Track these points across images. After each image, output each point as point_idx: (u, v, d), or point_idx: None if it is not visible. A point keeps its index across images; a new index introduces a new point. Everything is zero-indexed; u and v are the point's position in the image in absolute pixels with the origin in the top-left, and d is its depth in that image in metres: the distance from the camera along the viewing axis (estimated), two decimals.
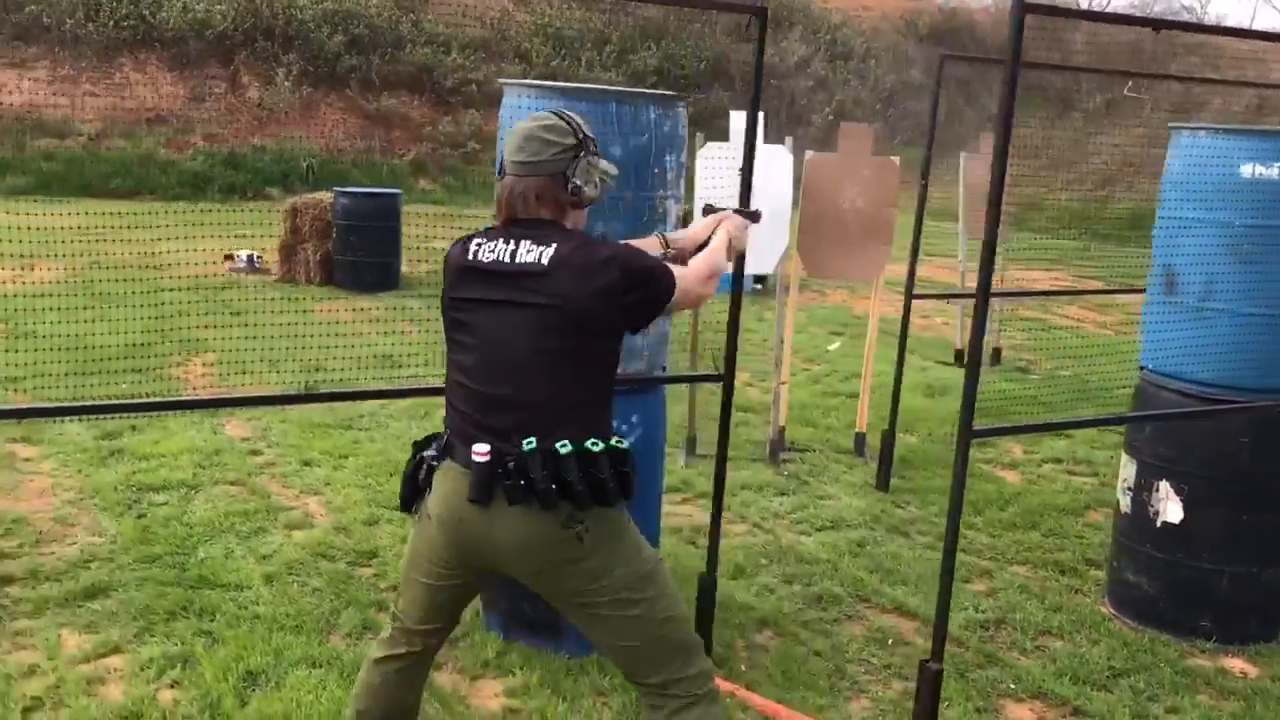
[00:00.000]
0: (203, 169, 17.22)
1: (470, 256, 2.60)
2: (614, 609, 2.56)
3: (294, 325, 7.91)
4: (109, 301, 9.41)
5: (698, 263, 2.81)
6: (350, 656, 3.69)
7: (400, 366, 7.33)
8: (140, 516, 4.77)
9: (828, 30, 27.26)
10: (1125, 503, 4.38)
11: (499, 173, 2.67)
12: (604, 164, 2.67)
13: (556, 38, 23.27)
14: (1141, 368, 4.46)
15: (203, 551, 4.46)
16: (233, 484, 5.28)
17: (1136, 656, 4.08)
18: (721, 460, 3.76)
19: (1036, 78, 28.23)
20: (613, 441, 2.53)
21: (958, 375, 8.43)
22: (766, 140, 5.64)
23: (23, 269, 9.89)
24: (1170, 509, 4.20)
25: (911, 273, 5.77)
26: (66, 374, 6.86)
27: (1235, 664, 4.09)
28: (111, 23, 18.44)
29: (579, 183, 2.60)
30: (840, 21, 27.84)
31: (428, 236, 12.25)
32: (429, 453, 2.62)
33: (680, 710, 2.61)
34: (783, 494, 5.64)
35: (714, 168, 5.39)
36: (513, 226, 2.61)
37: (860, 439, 6.34)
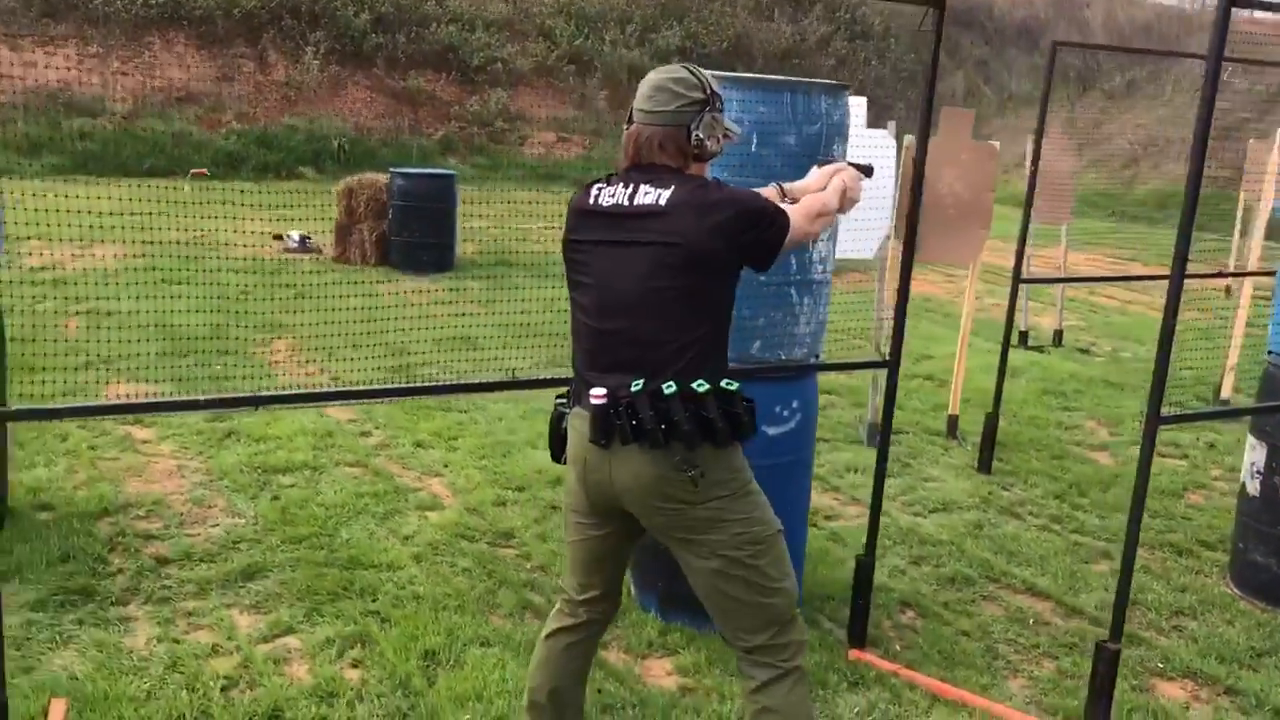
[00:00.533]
0: (236, 148, 17.23)
1: (591, 200, 2.68)
2: (724, 564, 2.62)
3: (368, 309, 8.02)
4: (175, 280, 9.50)
5: (809, 200, 2.85)
6: (518, 636, 3.77)
7: (480, 349, 7.38)
8: (275, 498, 4.84)
9: (847, 9, 27.18)
10: (1253, 486, 4.46)
11: (629, 121, 2.72)
12: (728, 122, 2.73)
13: (579, 15, 23.23)
14: (1270, 352, 4.51)
15: (345, 533, 4.54)
16: (353, 465, 5.35)
17: (1274, 636, 4.17)
18: (884, 447, 3.83)
19: (1059, 59, 28.21)
20: (721, 383, 2.56)
21: (1024, 358, 8.52)
22: None
23: (81, 250, 9.97)
24: None
25: (1020, 258, 5.82)
26: (159, 354, 6.98)
27: None
28: (139, 0, 18.39)
29: (701, 135, 2.65)
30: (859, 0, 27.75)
31: (467, 215, 12.32)
32: (561, 400, 2.77)
33: (772, 682, 2.67)
34: (890, 476, 5.70)
35: None
36: (633, 171, 2.67)
37: (953, 421, 6.42)
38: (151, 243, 11.84)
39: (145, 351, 7.13)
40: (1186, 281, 3.22)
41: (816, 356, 3.99)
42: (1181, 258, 3.08)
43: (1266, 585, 4.43)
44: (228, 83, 19.01)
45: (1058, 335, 9.33)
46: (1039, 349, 9.04)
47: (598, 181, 2.72)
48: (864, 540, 4.78)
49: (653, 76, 2.71)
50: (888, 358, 3.73)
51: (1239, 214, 12.43)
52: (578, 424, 2.66)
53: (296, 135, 18.15)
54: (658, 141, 2.65)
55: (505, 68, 21.55)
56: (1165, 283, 3.03)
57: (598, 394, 2.56)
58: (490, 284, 10.22)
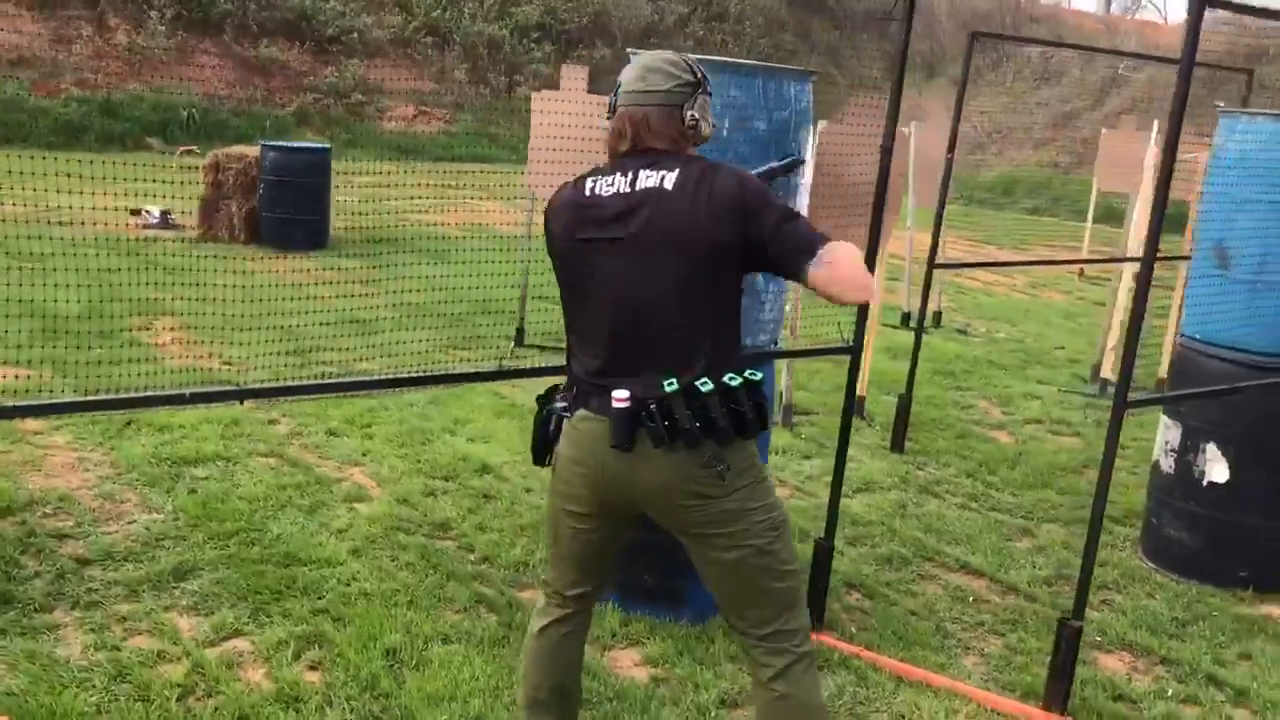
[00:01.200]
0: (77, 116, 16.24)
1: (588, 193, 2.56)
2: (747, 553, 2.57)
3: (248, 289, 7.70)
4: (28, 257, 8.89)
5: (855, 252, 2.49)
6: (478, 631, 3.67)
7: (374, 332, 7.18)
8: (192, 492, 4.58)
9: None
10: (1167, 463, 4.68)
11: (610, 111, 2.62)
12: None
13: None
14: (1183, 335, 4.73)
15: (275, 527, 4.33)
16: (266, 455, 5.11)
17: (1192, 607, 4.39)
18: (845, 429, 3.86)
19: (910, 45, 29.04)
20: (746, 374, 2.51)
21: (910, 339, 8.76)
22: None
23: None
24: (1216, 469, 4.51)
25: (934, 245, 5.96)
26: (30, 334, 6.53)
27: (1275, 610, 4.45)
28: None
29: (696, 116, 2.58)
30: None
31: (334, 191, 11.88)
32: (558, 405, 2.63)
33: (788, 669, 2.64)
34: (807, 457, 5.79)
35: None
36: (626, 159, 2.56)
37: (861, 402, 6.54)
38: None
39: (14, 330, 6.66)
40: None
41: (775, 343, 3.99)
42: (1154, 242, 3.19)
43: (1180, 558, 4.67)
44: (64, 45, 17.90)
45: (937, 317, 9.62)
46: (892, 326, 9.29)
47: (588, 176, 2.59)
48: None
49: (643, 59, 2.63)
50: (850, 343, 3.76)
51: (1092, 199, 13.08)
52: (587, 428, 2.54)
53: (143, 104, 17.24)
54: (653, 121, 2.55)
55: (361, 38, 20.93)
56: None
57: (621, 396, 2.45)
58: (368, 262, 9.91)
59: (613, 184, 2.53)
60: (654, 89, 2.57)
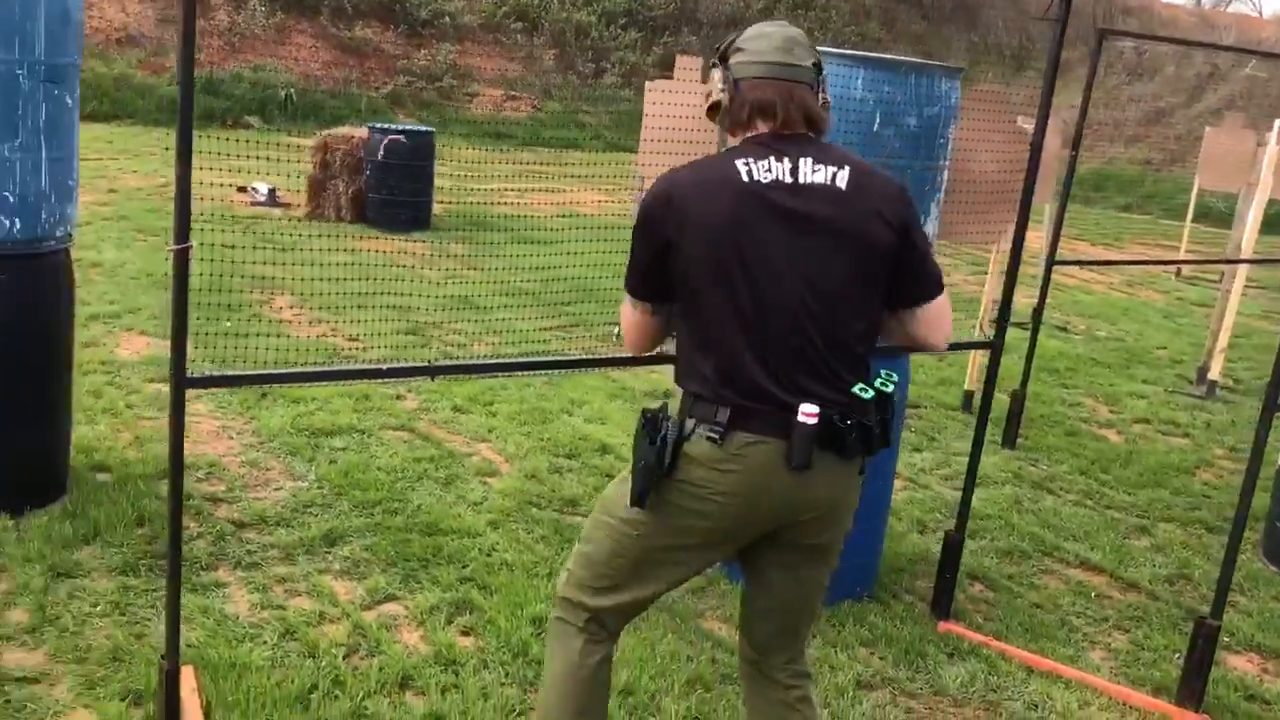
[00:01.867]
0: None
1: (748, 178, 2.25)
2: (833, 564, 2.49)
3: (360, 266, 7.89)
4: (149, 231, 9.21)
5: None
6: None
7: (483, 310, 7.34)
8: (332, 462, 4.77)
9: None
10: None
11: (731, 83, 2.33)
12: None
13: None
14: None
15: (415, 498, 4.49)
16: (397, 430, 5.28)
17: None
18: (982, 423, 3.91)
19: (995, 37, 28.70)
20: (887, 378, 2.38)
21: (1014, 335, 8.73)
22: None
23: None
24: None
25: (1055, 241, 5.96)
26: (164, 310, 6.77)
27: None
28: None
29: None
30: None
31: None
32: (703, 430, 2.25)
33: (810, 687, 2.57)
34: (918, 450, 5.84)
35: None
36: (777, 143, 2.30)
37: (968, 397, 6.57)
38: (115, 191, 11.53)
39: (148, 302, 6.94)
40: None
41: None
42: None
43: None
44: (168, 25, 18.37)
45: (1037, 314, 9.54)
46: (1021, 325, 9.24)
47: (739, 156, 2.28)
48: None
49: (782, 28, 2.36)
50: (993, 338, 3.81)
51: (1192, 198, 12.88)
52: (753, 452, 2.24)
53: (242, 83, 17.63)
54: (807, 101, 2.33)
55: (453, 22, 21.18)
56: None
57: (810, 412, 2.20)
58: (470, 244, 10.11)
59: (770, 171, 2.26)
60: (800, 64, 2.33)
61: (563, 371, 6.47)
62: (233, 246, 8.11)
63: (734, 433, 2.24)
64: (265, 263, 7.12)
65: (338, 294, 6.90)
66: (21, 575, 3.55)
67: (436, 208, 11.25)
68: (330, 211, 10.75)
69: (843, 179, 2.31)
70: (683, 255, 2.26)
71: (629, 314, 2.47)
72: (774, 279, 2.25)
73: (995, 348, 3.81)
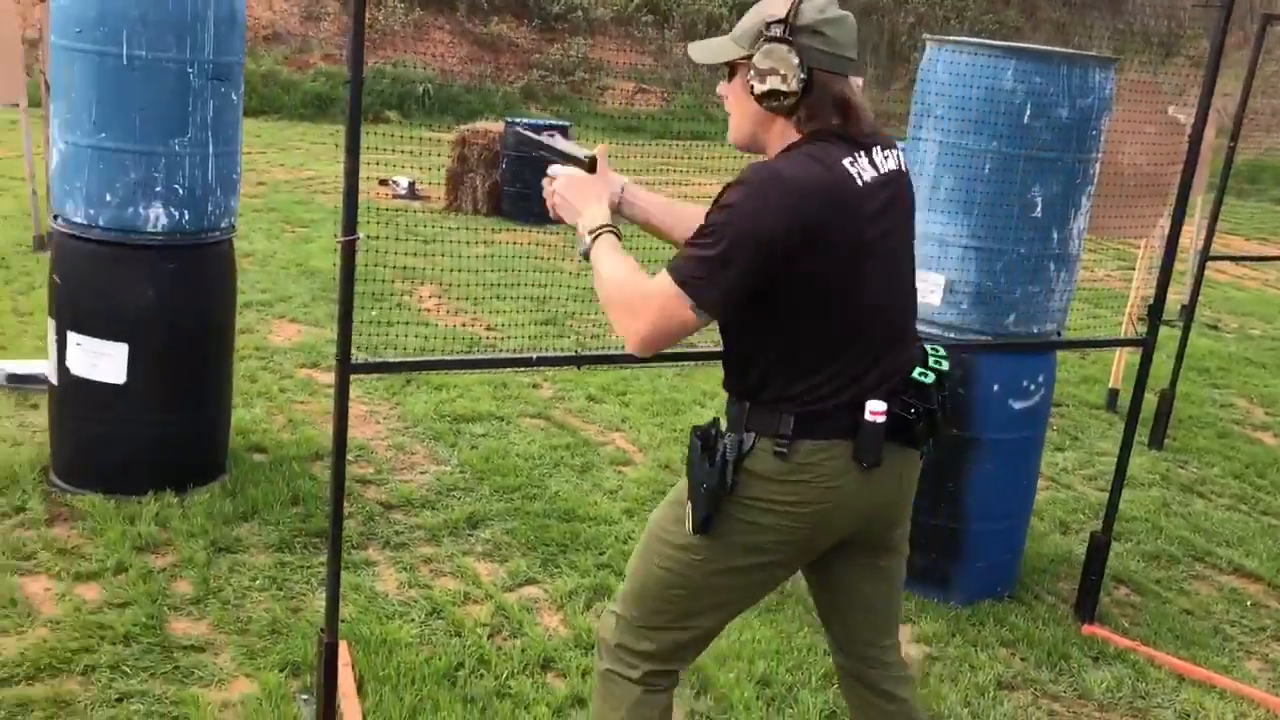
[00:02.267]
0: (325, 90, 17.22)
1: (860, 183, 2.09)
2: (907, 546, 2.40)
3: (498, 258, 8.03)
4: (297, 222, 9.56)
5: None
6: None
7: None
8: (473, 448, 4.89)
9: None
10: None
11: (804, 68, 2.08)
12: None
13: None
14: None
15: (552, 485, 4.58)
16: (534, 418, 5.39)
17: None
18: (1132, 423, 3.81)
19: (1141, 23, 27.63)
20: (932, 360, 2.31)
21: (1163, 333, 8.43)
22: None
23: None
24: None
25: (1210, 236, 5.75)
26: (313, 299, 7.04)
27: None
28: None
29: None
30: None
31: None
32: (766, 443, 2.12)
33: (911, 691, 2.45)
34: (1060, 449, 5.70)
35: None
36: (845, 139, 2.13)
37: (1113, 395, 6.38)
38: (263, 183, 11.97)
39: (300, 290, 7.21)
40: None
41: (1059, 333, 3.96)
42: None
43: None
44: (312, 23, 19.00)
45: (1186, 311, 9.19)
46: (1170, 323, 8.92)
47: (841, 156, 2.10)
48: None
49: (846, 11, 2.17)
50: (1144, 336, 3.70)
51: None
52: (822, 459, 2.11)
53: (383, 79, 18.11)
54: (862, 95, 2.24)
55: (585, 16, 21.39)
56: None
57: (878, 409, 2.11)
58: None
59: (861, 169, 2.12)
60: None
61: (695, 363, 6.51)
62: (377, 238, 8.40)
63: (800, 441, 2.11)
64: (410, 254, 7.32)
65: (477, 285, 7.07)
66: (186, 549, 3.74)
67: None
68: (467, 204, 10.99)
69: (899, 159, 2.22)
70: (795, 276, 2.06)
71: (674, 313, 2.08)
72: (877, 282, 2.14)
73: (1147, 345, 3.70)
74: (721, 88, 2.27)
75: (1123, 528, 4.74)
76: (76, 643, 3.16)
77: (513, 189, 10.77)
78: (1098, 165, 3.69)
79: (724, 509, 2.13)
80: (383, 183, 11.53)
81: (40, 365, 4.76)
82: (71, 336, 3.93)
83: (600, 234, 2.28)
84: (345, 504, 4.19)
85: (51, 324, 4.02)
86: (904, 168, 2.22)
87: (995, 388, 3.74)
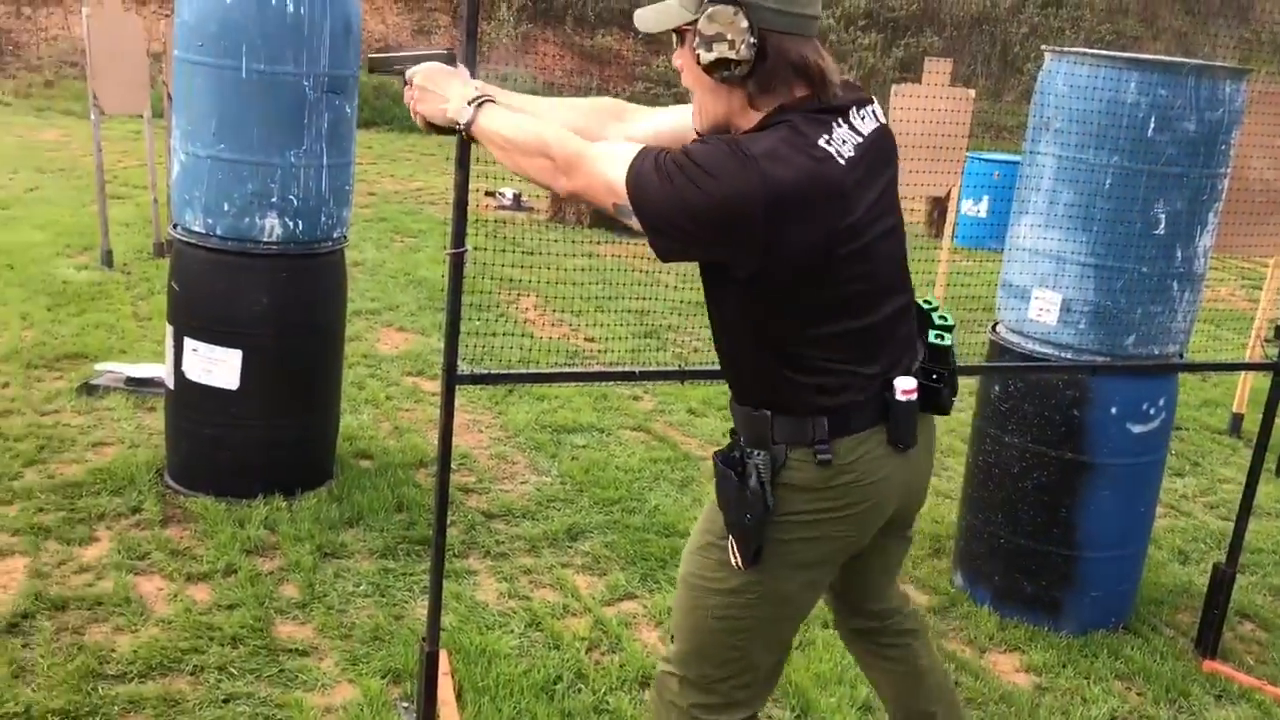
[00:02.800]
0: None
1: (843, 161, 1.92)
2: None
3: (600, 270, 8.04)
4: (406, 232, 9.73)
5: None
6: None
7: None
8: (574, 459, 4.89)
9: None
10: None
11: (778, 32, 1.92)
12: None
13: None
14: None
15: (652, 498, 4.55)
16: (634, 430, 5.37)
17: None
18: (1261, 451, 3.64)
19: (1270, 32, 26.65)
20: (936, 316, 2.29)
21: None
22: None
23: None
24: None
25: None
26: (420, 308, 7.15)
27: None
28: None
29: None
30: None
31: None
32: (801, 454, 2.01)
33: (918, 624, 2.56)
34: (1179, 475, 5.48)
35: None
36: (823, 107, 1.96)
37: (1237, 420, 6.12)
38: (374, 194, 12.22)
39: (408, 299, 7.32)
40: None
41: (1182, 355, 3.81)
42: None
43: None
44: (424, 36, 19.37)
45: None
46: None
47: (807, 138, 1.90)
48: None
49: None
50: (1275, 358, 3.54)
51: None
52: (861, 454, 2.03)
53: None
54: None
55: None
56: None
57: (908, 387, 2.03)
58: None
59: (844, 139, 1.94)
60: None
61: None
62: (482, 249, 8.51)
63: (838, 441, 2.00)
64: (513, 265, 7.38)
65: (579, 297, 7.09)
66: (293, 553, 3.81)
67: None
68: (570, 216, 11.05)
69: (877, 113, 2.07)
70: (840, 252, 1.93)
71: (612, 189, 1.97)
72: (877, 259, 2.00)
73: (1278, 369, 3.53)
74: (675, 59, 2.07)
75: (1248, 560, 4.53)
76: (186, 643, 3.23)
77: None
78: (1226, 181, 3.53)
79: (767, 534, 2.01)
80: (489, 194, 11.67)
81: (158, 369, 4.91)
82: (188, 342, 4.04)
83: (480, 101, 2.15)
84: (448, 513, 4.25)
85: (169, 330, 4.14)
86: (883, 120, 2.07)
87: (1113, 410, 3.60)
